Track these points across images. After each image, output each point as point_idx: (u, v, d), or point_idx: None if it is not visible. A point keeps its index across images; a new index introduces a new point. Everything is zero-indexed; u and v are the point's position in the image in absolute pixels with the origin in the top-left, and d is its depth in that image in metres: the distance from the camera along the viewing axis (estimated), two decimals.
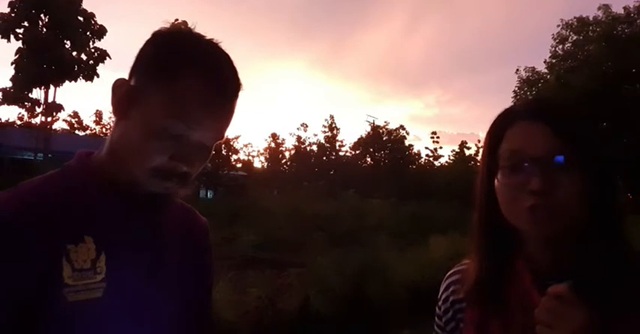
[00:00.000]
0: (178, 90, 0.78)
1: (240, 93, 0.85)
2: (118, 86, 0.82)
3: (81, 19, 12.96)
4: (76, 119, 33.58)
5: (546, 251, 0.81)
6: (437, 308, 0.97)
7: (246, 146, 30.62)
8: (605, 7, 19.72)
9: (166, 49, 0.82)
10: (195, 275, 0.97)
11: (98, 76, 13.05)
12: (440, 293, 0.97)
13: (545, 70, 21.40)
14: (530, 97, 18.00)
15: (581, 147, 0.77)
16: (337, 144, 29.66)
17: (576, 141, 0.77)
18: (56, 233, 0.75)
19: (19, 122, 16.23)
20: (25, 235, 0.73)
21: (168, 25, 0.85)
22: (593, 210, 0.77)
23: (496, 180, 0.81)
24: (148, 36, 0.85)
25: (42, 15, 12.66)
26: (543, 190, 0.74)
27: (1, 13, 12.19)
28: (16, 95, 12.69)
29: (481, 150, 0.89)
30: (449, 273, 0.98)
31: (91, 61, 13.02)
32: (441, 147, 26.45)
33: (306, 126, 30.30)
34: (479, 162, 0.90)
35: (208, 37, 0.85)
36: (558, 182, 0.75)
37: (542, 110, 0.82)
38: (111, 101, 0.82)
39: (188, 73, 0.79)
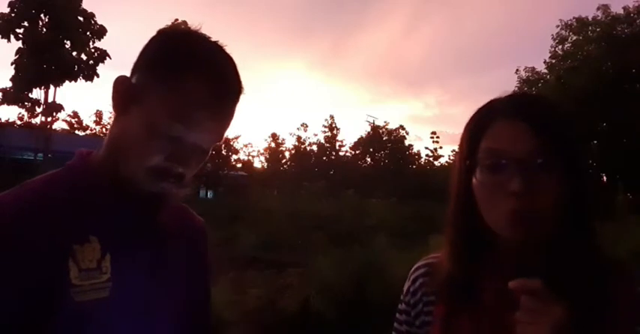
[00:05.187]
0: (180, 91, 0.78)
1: (242, 96, 0.85)
2: (120, 82, 0.82)
3: (81, 19, 12.93)
4: (76, 119, 33.56)
5: (517, 249, 0.79)
6: (401, 303, 0.96)
7: (246, 146, 30.57)
8: (604, 8, 19.69)
9: (171, 49, 0.81)
10: (195, 276, 0.97)
11: (98, 76, 13.04)
12: (406, 287, 0.96)
13: (545, 70, 21.35)
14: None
15: (563, 149, 0.76)
16: (337, 144, 29.64)
17: (558, 142, 0.76)
18: (62, 233, 0.75)
19: (19, 122, 16.21)
20: (32, 236, 0.72)
21: (172, 24, 0.85)
22: (570, 212, 0.77)
23: (474, 178, 0.80)
24: (148, 36, 0.85)
25: (42, 15, 12.64)
26: (523, 191, 0.73)
27: (1, 13, 12.18)
28: (16, 95, 12.66)
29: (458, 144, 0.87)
30: (416, 266, 0.98)
31: (91, 61, 12.98)
32: (441, 147, 26.33)
33: (306, 126, 30.30)
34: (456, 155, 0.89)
35: (211, 38, 0.85)
36: (539, 184, 0.74)
37: (524, 108, 0.80)
38: (112, 97, 0.82)
39: (191, 74, 0.78)
